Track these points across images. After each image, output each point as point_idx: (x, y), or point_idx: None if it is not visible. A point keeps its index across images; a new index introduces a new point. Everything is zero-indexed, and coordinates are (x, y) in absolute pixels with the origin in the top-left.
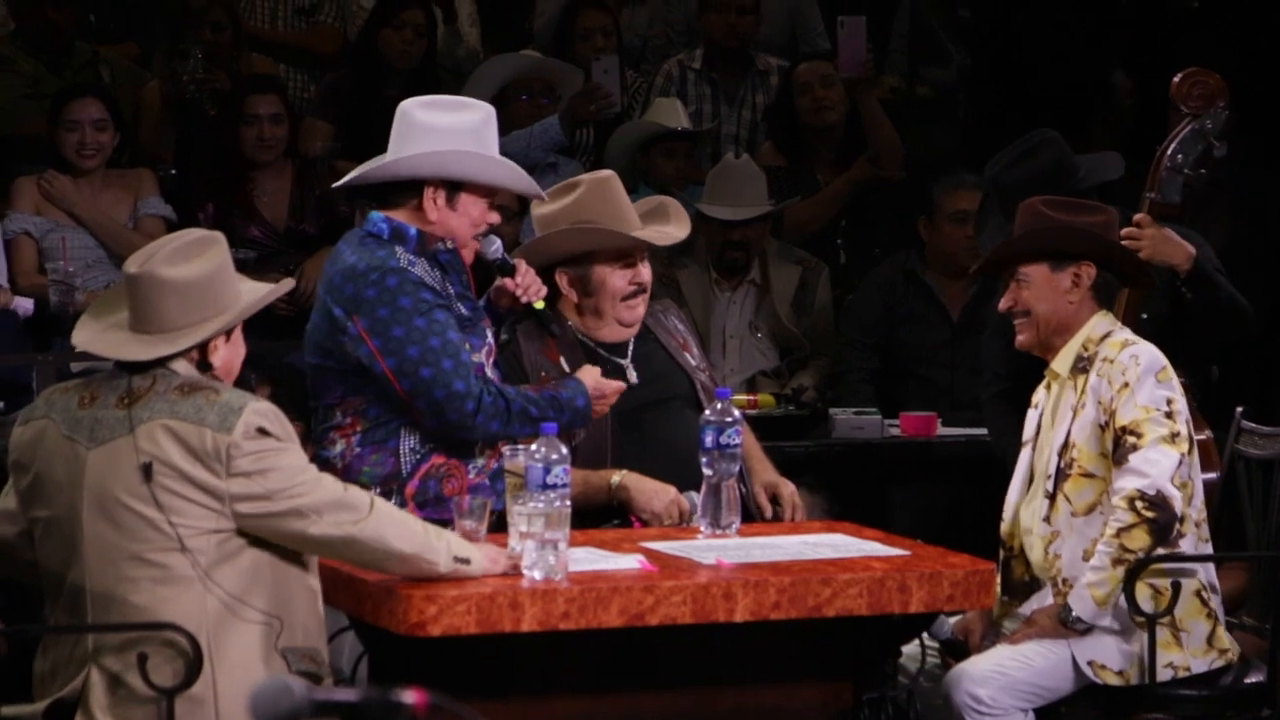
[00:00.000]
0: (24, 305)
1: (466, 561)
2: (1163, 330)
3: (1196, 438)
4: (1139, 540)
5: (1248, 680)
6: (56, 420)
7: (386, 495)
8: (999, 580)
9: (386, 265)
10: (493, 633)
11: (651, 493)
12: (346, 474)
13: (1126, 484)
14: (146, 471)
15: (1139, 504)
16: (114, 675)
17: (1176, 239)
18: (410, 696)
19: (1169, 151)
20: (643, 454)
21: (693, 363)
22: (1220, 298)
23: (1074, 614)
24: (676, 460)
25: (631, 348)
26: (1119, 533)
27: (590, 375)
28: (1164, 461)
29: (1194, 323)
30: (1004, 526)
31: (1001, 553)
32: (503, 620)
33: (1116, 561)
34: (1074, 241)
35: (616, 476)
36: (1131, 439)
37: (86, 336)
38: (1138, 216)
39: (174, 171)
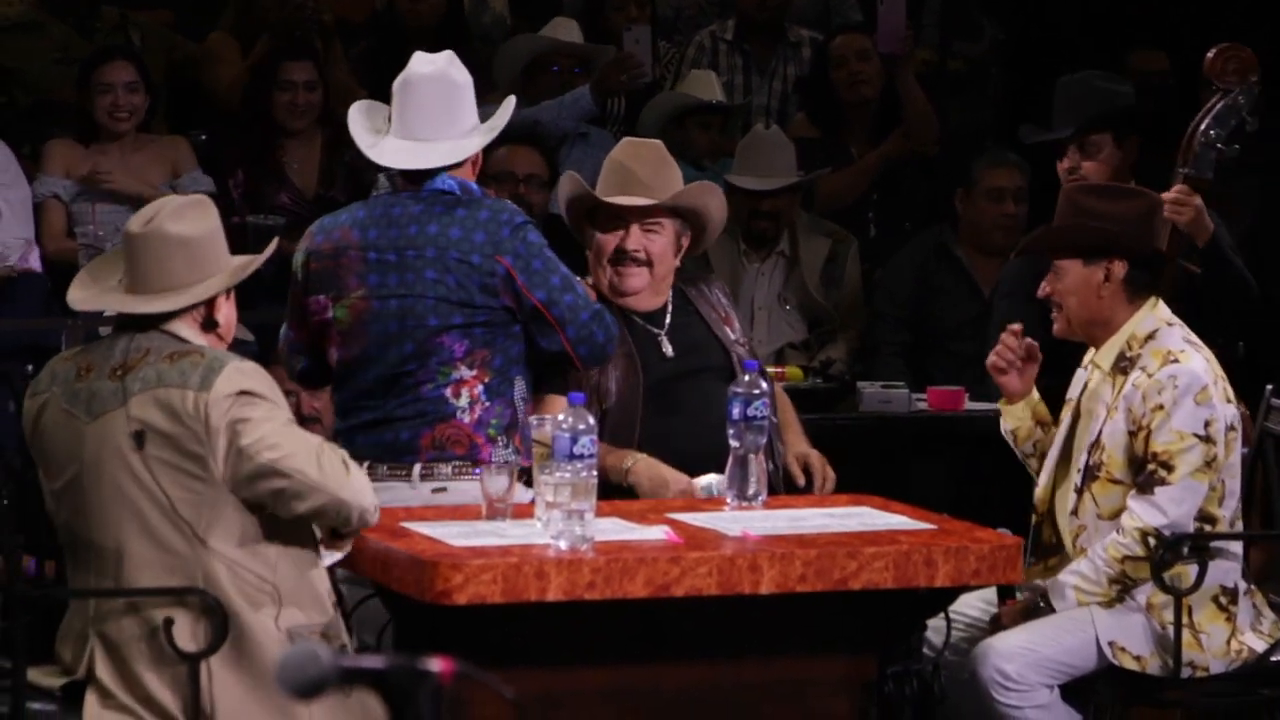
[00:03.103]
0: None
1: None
2: (1186, 295)
3: (1238, 411)
4: (1142, 572)
5: (1275, 658)
6: (58, 393)
7: (507, 445)
8: (1028, 542)
9: (508, 206)
10: (518, 602)
11: (661, 483)
12: (476, 427)
13: (1145, 517)
14: (138, 439)
15: (1152, 541)
16: (118, 644)
17: (1206, 216)
18: (436, 665)
19: (1202, 126)
20: (673, 423)
21: (732, 336)
22: (1230, 275)
23: (1054, 606)
24: (706, 431)
25: (669, 318)
26: (1124, 559)
27: None
28: (1188, 502)
29: (1202, 296)
30: (1038, 491)
31: (1035, 516)
32: (528, 589)
33: (1113, 581)
34: (1101, 240)
35: (630, 460)
36: (1162, 471)
37: (84, 296)
38: (1177, 187)
39: (204, 137)
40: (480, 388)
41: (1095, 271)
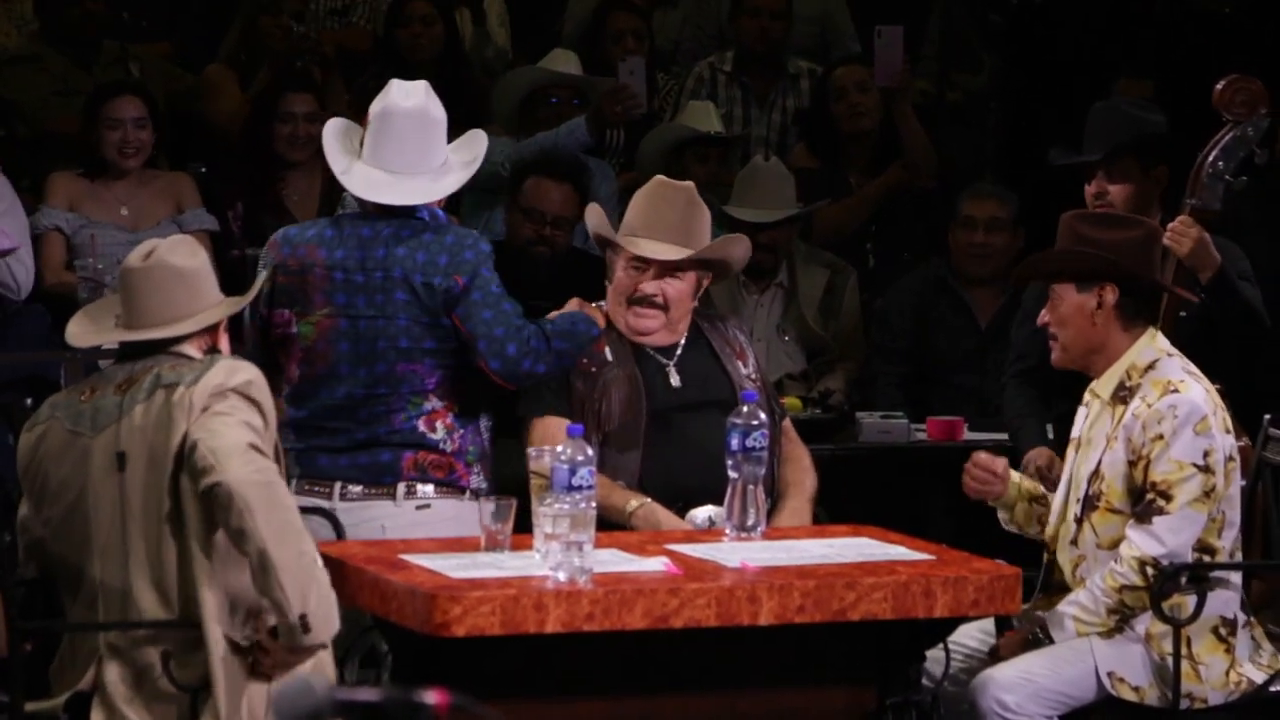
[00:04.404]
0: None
1: (307, 630)
2: (1198, 330)
3: (1237, 444)
4: (1140, 601)
5: (1274, 689)
6: (60, 418)
7: (480, 473)
8: (1039, 578)
9: (473, 234)
10: (517, 633)
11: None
12: (457, 455)
13: (1143, 546)
14: (120, 460)
15: (1150, 570)
16: (131, 667)
17: (1211, 248)
18: (433, 697)
19: (1210, 158)
20: (673, 454)
21: (743, 371)
22: (1235, 307)
23: (1053, 636)
24: (706, 463)
25: (680, 350)
26: (1122, 589)
27: (575, 303)
28: (1186, 532)
29: (1211, 328)
30: (1048, 530)
31: (1046, 554)
32: (527, 621)
33: (1112, 612)
34: (1090, 264)
35: (634, 503)
36: (1160, 501)
37: (82, 332)
38: (1180, 218)
39: (203, 169)
40: (451, 417)
41: (1089, 298)
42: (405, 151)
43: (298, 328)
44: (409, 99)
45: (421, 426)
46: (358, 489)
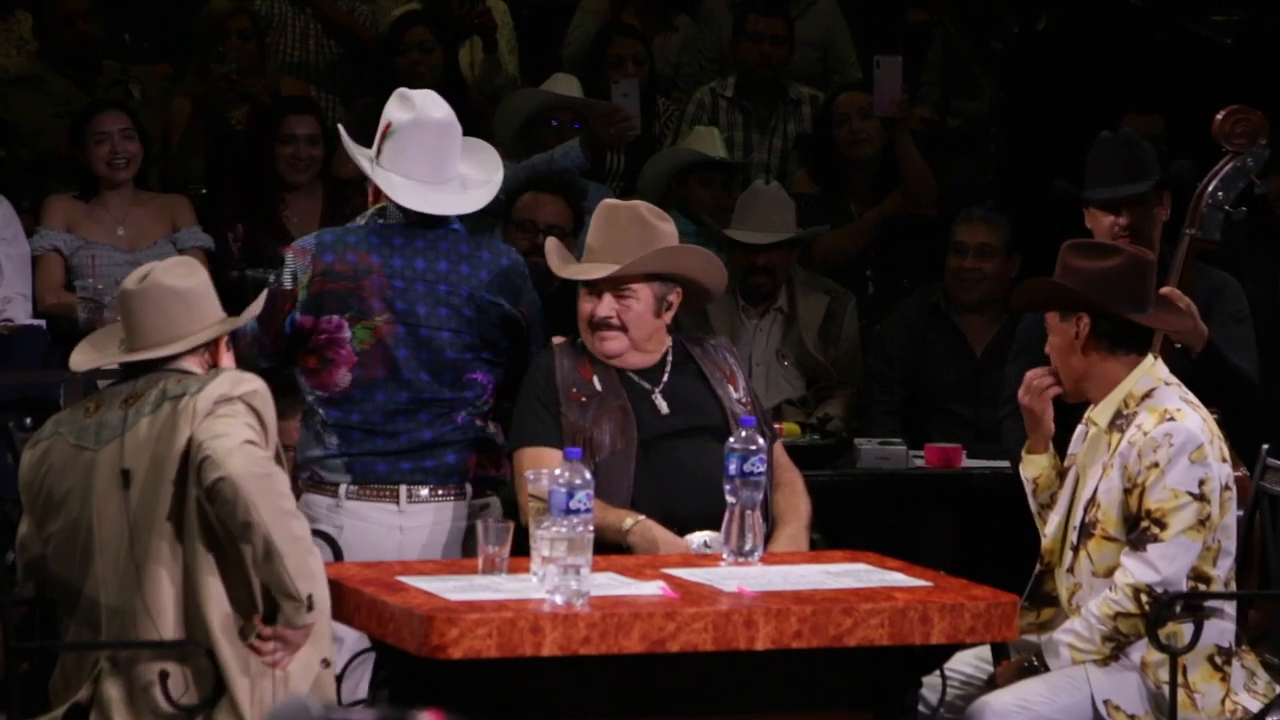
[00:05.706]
0: None
1: (311, 608)
2: (1194, 360)
3: (1234, 474)
4: (1135, 629)
5: (1270, 718)
6: (64, 433)
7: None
8: (1027, 588)
9: (515, 253)
10: (513, 656)
11: (653, 548)
12: (501, 449)
13: (1137, 573)
14: (125, 478)
15: (1144, 597)
16: (131, 683)
17: (1200, 324)
18: (428, 719)
19: (1210, 188)
20: (665, 481)
21: (734, 396)
22: (1225, 376)
23: (1048, 664)
24: (698, 490)
25: (666, 376)
26: (1117, 616)
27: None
28: (1181, 559)
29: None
30: (1045, 543)
31: (1038, 566)
32: (523, 644)
33: (1106, 639)
34: (1062, 294)
35: (630, 520)
36: (1155, 528)
37: (85, 359)
38: (1164, 290)
39: (204, 191)
40: (492, 418)
41: (1070, 327)
42: (433, 162)
43: (351, 331)
44: (438, 110)
45: (477, 423)
46: (425, 491)
